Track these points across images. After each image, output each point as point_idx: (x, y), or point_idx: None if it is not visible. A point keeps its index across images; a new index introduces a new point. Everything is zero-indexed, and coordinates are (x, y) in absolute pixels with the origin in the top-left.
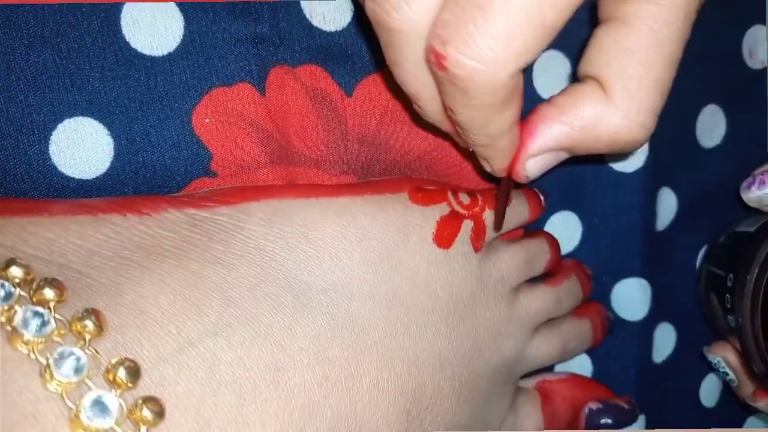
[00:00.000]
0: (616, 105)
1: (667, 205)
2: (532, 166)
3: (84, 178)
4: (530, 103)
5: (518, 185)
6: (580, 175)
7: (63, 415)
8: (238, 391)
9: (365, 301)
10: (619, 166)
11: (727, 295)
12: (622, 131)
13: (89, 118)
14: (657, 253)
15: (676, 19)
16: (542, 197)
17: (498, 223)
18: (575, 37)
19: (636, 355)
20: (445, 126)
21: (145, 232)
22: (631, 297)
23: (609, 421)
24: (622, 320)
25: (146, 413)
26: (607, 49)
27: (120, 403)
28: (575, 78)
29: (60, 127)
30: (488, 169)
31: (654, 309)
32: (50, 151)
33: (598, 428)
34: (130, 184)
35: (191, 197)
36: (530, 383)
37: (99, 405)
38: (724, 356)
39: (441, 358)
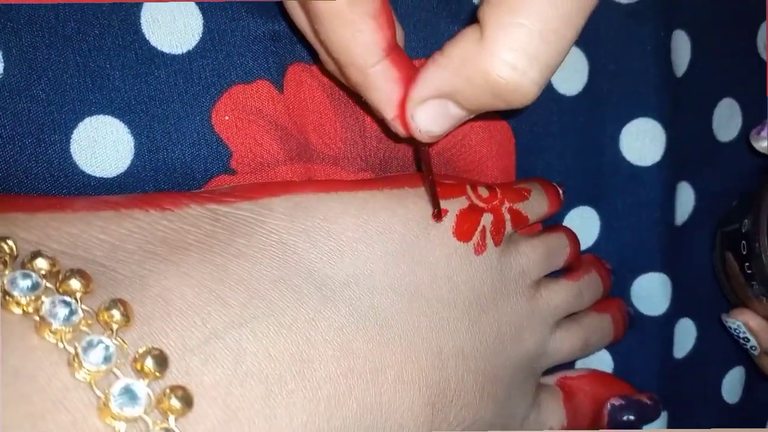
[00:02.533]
0: (484, 43)
1: (686, 199)
2: (422, 118)
3: (105, 176)
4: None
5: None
6: (598, 170)
7: (92, 403)
8: (264, 382)
9: (387, 294)
10: (637, 160)
11: (743, 242)
12: (491, 72)
13: (110, 117)
14: (676, 247)
15: None
16: (561, 191)
17: (433, 203)
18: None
19: (657, 351)
20: (330, 66)
21: (168, 227)
22: (652, 292)
23: (632, 417)
24: (642, 315)
25: (174, 402)
26: None
27: (148, 393)
28: None
29: (81, 125)
30: (387, 120)
31: (674, 304)
32: (71, 150)
33: (620, 425)
34: (150, 182)
35: (212, 193)
36: (552, 380)
37: (129, 393)
38: (744, 320)
39: (464, 351)
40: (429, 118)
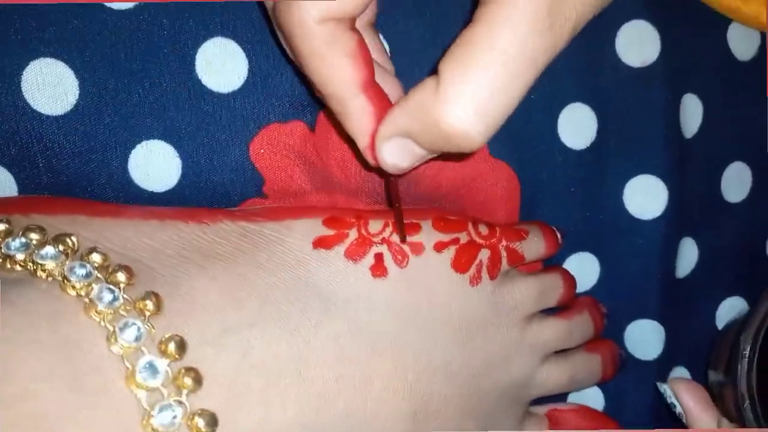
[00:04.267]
0: (439, 94)
1: (689, 254)
2: (386, 152)
3: (155, 191)
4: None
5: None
6: (599, 220)
7: (121, 372)
8: (265, 375)
9: (384, 313)
10: (638, 213)
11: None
12: (441, 121)
13: (162, 141)
14: (674, 298)
15: (517, 24)
16: (559, 234)
17: (399, 229)
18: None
19: (649, 395)
20: (320, 95)
21: (203, 238)
22: (644, 337)
23: None
24: (635, 359)
25: (187, 380)
26: (452, 44)
27: (167, 370)
28: None
29: (138, 147)
30: (360, 148)
31: (667, 351)
32: (129, 167)
33: None
34: (193, 199)
35: (244, 212)
36: (542, 410)
37: (151, 368)
38: (675, 389)
39: (450, 369)
40: (393, 154)
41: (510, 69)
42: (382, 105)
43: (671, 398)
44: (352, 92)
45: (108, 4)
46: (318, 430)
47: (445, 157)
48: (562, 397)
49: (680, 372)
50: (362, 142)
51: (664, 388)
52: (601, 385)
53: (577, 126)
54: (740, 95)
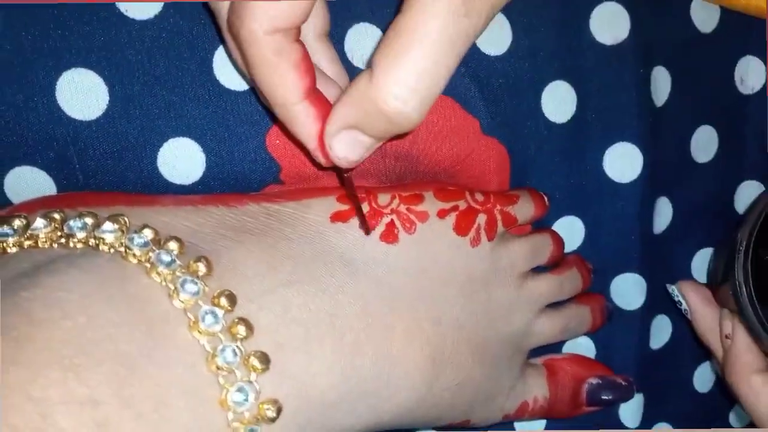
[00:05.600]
0: (375, 81)
1: (664, 212)
2: (337, 147)
3: (182, 183)
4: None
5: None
6: (582, 186)
7: (184, 322)
8: (304, 327)
9: (398, 273)
10: (617, 177)
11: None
12: (380, 103)
13: (187, 138)
14: (653, 253)
15: (437, 14)
16: (546, 198)
17: (361, 222)
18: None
19: (634, 342)
20: (267, 103)
21: (234, 218)
22: (628, 289)
23: (609, 396)
24: (621, 310)
25: (240, 328)
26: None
27: (223, 320)
28: None
29: (165, 145)
30: (310, 151)
31: (649, 301)
32: (158, 163)
33: (599, 402)
34: (217, 189)
35: (266, 195)
36: (539, 360)
37: (213, 316)
38: (682, 290)
39: (459, 322)
40: (343, 147)
41: (433, 52)
42: (325, 108)
43: (678, 297)
44: (296, 98)
45: (131, 16)
46: (353, 374)
47: (390, 139)
48: (557, 348)
49: (663, 319)
50: (311, 144)
51: (672, 288)
52: (592, 335)
53: (558, 102)
54: (704, 65)
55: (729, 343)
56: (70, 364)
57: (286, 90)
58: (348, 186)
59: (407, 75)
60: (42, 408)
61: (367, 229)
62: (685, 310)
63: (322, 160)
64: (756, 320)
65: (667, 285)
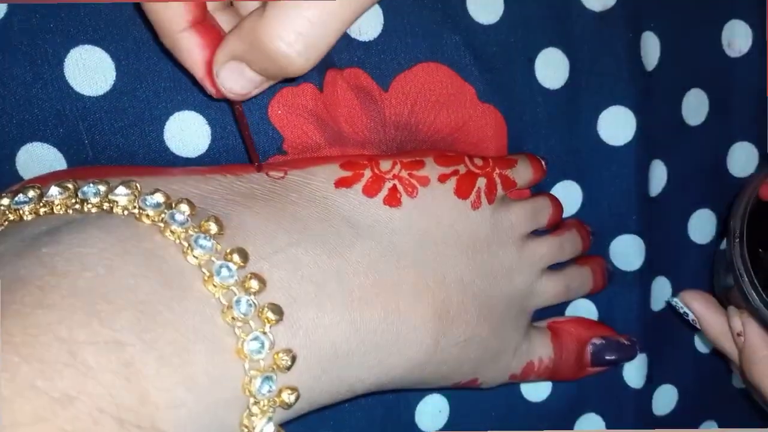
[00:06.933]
0: (265, 18)
1: (659, 174)
2: (224, 77)
3: (189, 156)
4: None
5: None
6: (578, 150)
7: (199, 276)
8: (314, 283)
9: (403, 234)
10: (611, 140)
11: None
12: (266, 41)
13: (193, 112)
14: (650, 214)
15: None
16: (544, 162)
17: (249, 152)
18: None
19: (636, 302)
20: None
21: (242, 185)
22: (627, 250)
23: (613, 356)
24: (621, 271)
25: (253, 282)
26: None
27: (236, 274)
28: None
29: (171, 118)
30: (198, 80)
31: (648, 261)
32: (165, 137)
33: (601, 361)
34: (223, 160)
35: (271, 165)
36: (543, 323)
37: (227, 270)
38: (685, 300)
39: (463, 281)
40: (229, 78)
41: (330, 6)
42: (214, 38)
43: (683, 308)
44: (181, 26)
45: None
46: (363, 327)
47: (279, 81)
48: (560, 311)
49: (662, 281)
50: (198, 72)
51: (675, 300)
52: (593, 297)
53: (552, 68)
54: (692, 29)
55: (742, 340)
56: (94, 310)
57: (171, 17)
58: (239, 119)
59: (298, 19)
60: (70, 346)
61: (257, 161)
62: (692, 320)
63: (210, 89)
64: (763, 305)
65: (670, 298)
